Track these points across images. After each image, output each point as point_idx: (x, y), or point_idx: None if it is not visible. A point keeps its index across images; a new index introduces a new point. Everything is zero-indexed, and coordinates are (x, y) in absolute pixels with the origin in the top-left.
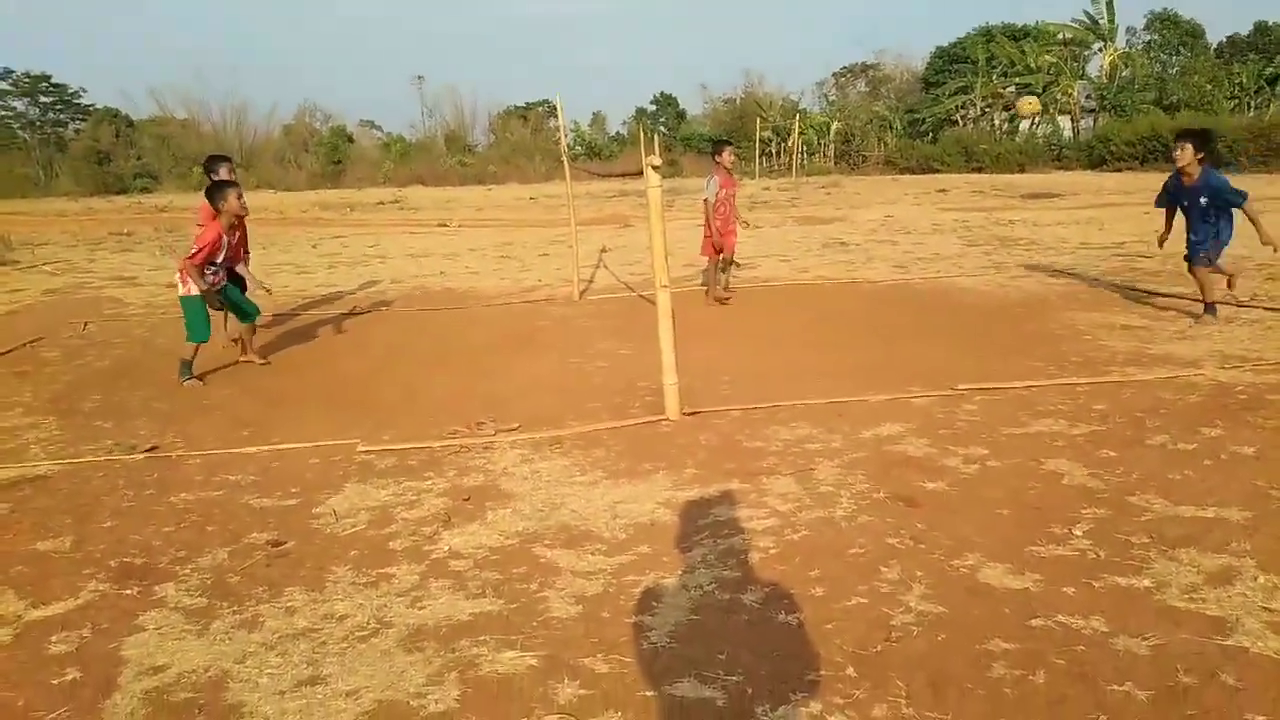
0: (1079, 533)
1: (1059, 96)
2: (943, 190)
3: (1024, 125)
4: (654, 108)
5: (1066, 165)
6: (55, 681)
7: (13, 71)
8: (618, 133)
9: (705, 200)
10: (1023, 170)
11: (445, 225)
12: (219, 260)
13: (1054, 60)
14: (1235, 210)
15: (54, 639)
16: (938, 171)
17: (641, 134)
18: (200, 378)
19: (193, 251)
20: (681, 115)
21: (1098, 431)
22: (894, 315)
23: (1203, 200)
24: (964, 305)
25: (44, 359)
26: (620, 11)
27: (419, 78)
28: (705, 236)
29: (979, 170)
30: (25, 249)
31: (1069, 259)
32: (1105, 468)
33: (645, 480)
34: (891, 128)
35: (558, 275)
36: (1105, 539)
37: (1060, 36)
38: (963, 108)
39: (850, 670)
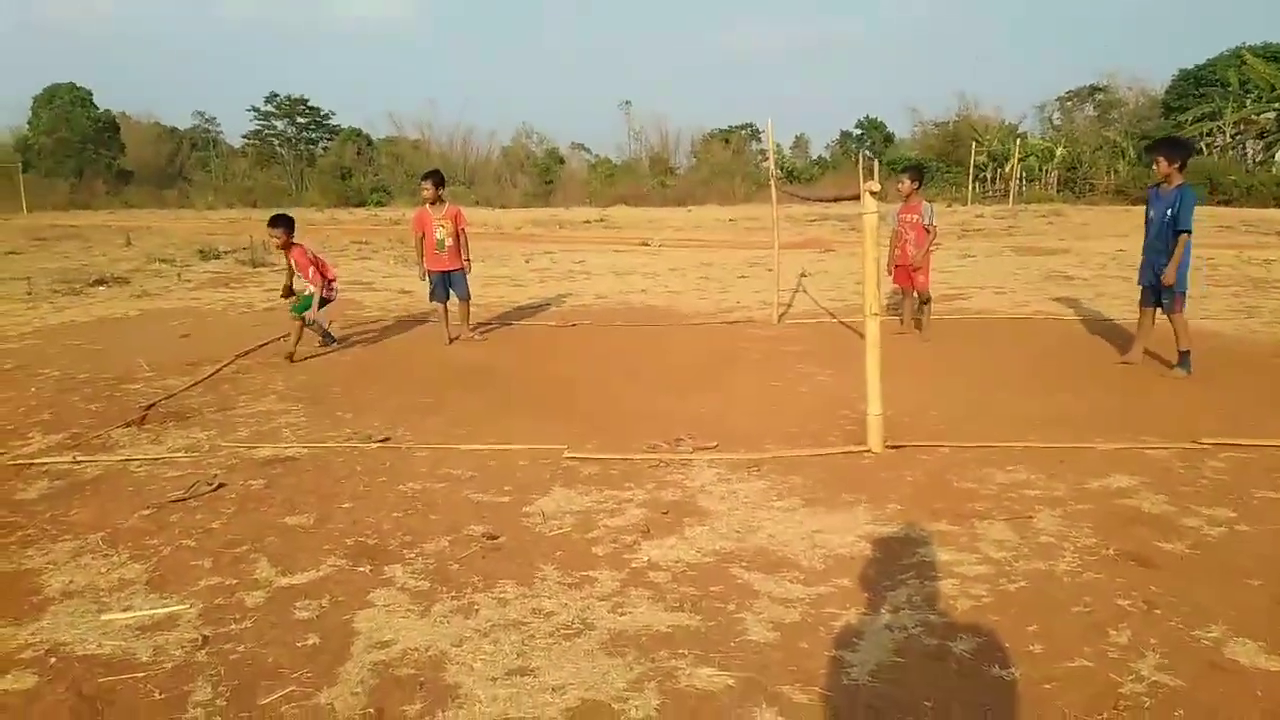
0: None
1: None
2: None
3: None
4: (859, 131)
5: None
6: (299, 644)
7: (277, 95)
8: (820, 156)
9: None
10: None
11: (647, 244)
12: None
13: None
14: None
15: (298, 605)
16: None
17: (860, 159)
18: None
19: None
20: (889, 139)
21: None
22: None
23: (1168, 212)
24: (1209, 350)
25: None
26: (821, 46)
27: (626, 103)
28: (900, 265)
29: (1227, 203)
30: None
31: None
32: None
33: (846, 511)
34: (1124, 155)
35: (757, 297)
36: None
37: None
38: (1209, 134)
39: None
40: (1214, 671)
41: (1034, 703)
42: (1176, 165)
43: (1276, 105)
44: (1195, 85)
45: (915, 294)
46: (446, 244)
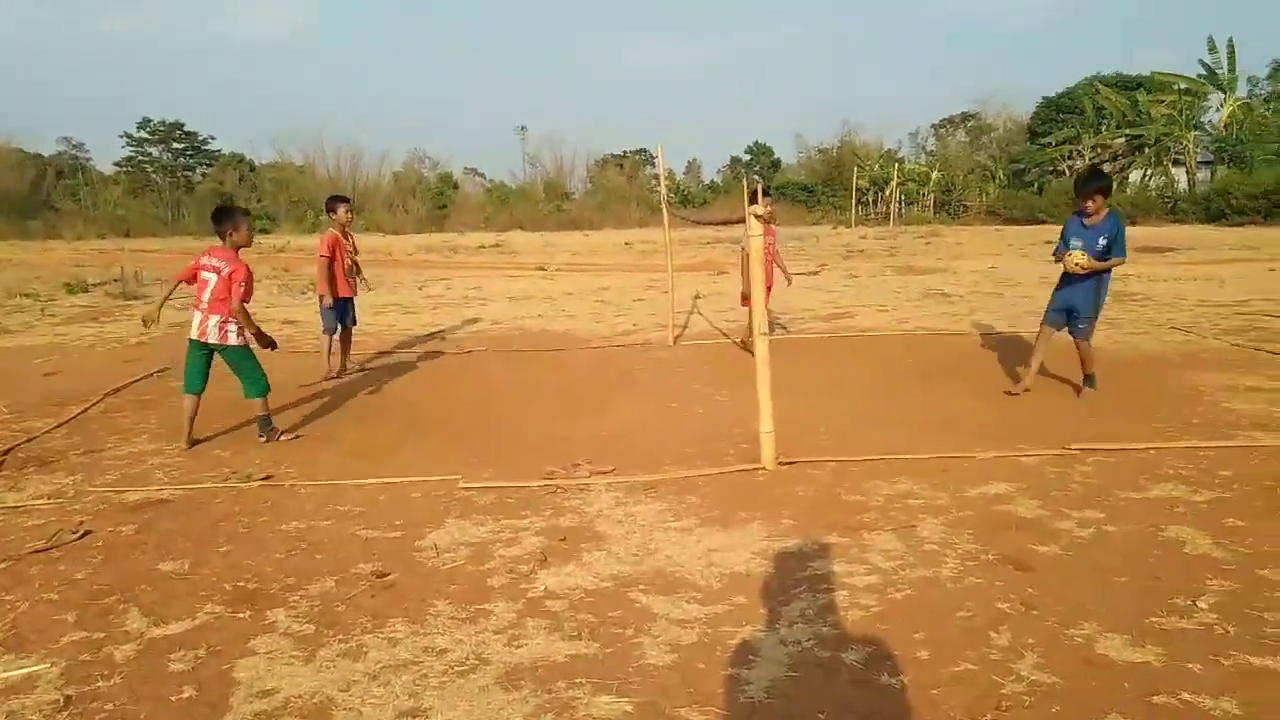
0: (1204, 605)
1: (1170, 147)
2: (1050, 242)
3: (1134, 177)
4: (749, 157)
5: (1182, 218)
6: (173, 698)
7: (150, 120)
8: (712, 181)
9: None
10: (1134, 223)
11: (544, 269)
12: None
13: (1168, 111)
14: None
15: (173, 657)
16: (1044, 223)
17: (745, 184)
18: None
19: (242, 290)
20: (776, 164)
21: (1223, 499)
22: (1001, 370)
23: (1101, 242)
24: (1077, 362)
25: (169, 388)
26: (715, 63)
27: (522, 128)
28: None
29: None
30: (154, 284)
31: (1187, 316)
32: (1232, 537)
33: (741, 529)
34: (994, 178)
35: (653, 320)
36: (1234, 614)
37: (1176, 87)
38: (1069, 158)
39: None
40: (1087, 667)
41: (922, 707)
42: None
43: (1127, 131)
44: (1057, 112)
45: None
46: (353, 270)
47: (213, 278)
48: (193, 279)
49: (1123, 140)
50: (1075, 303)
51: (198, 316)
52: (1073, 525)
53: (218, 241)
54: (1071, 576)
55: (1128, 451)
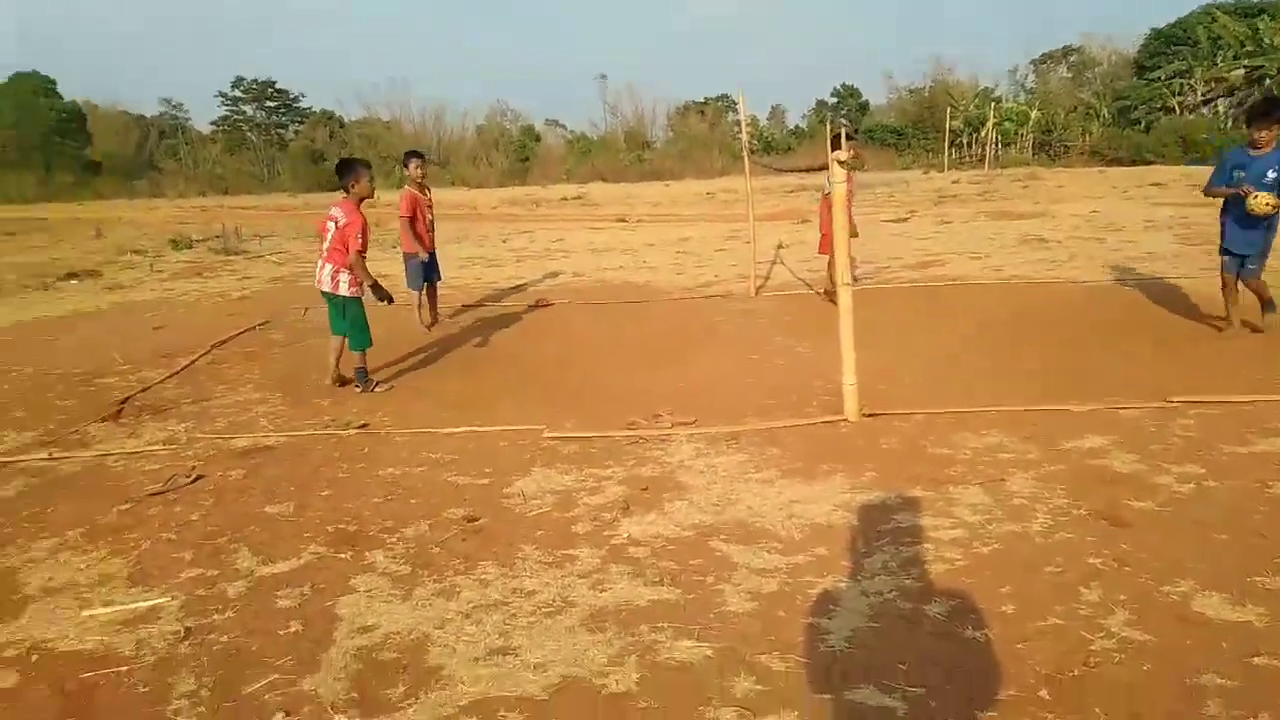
0: None
1: None
2: (1157, 184)
3: None
4: (835, 100)
5: None
6: (281, 632)
7: (244, 79)
8: (797, 126)
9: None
10: None
11: (624, 220)
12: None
13: None
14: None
15: (280, 594)
16: (1151, 163)
17: (828, 129)
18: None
19: (359, 243)
20: (864, 106)
21: None
22: (1099, 319)
23: (1271, 174)
24: (1181, 310)
25: (270, 341)
26: (797, 5)
27: (602, 76)
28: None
29: (1199, 162)
30: (253, 240)
31: None
32: None
33: (823, 481)
34: (1098, 116)
35: (734, 271)
36: None
37: None
38: (1180, 93)
39: (1044, 693)
40: (1182, 625)
41: (1007, 661)
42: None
43: (1246, 63)
44: (1167, 44)
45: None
46: (432, 225)
47: (332, 227)
48: (323, 231)
49: (1241, 72)
50: (1252, 242)
51: (318, 265)
52: (1171, 480)
53: (334, 196)
54: (1169, 533)
55: (1232, 405)
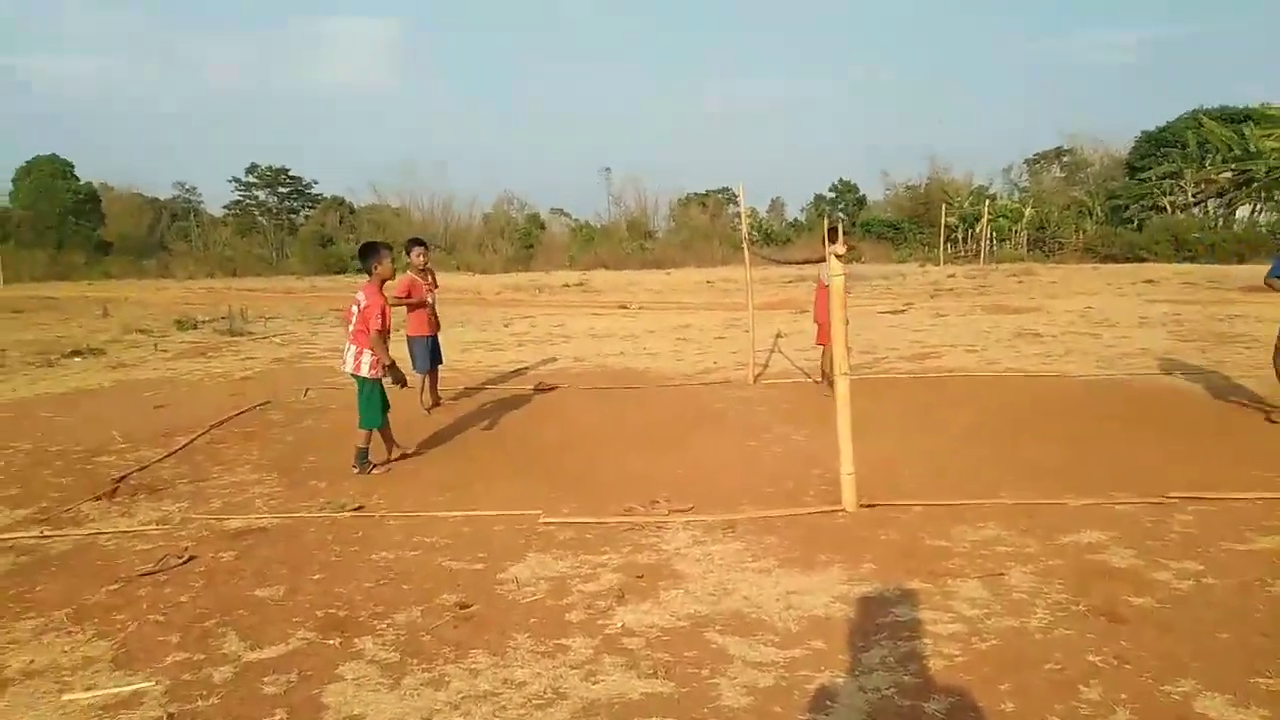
0: None
1: None
2: (1150, 281)
3: (1241, 213)
4: (833, 194)
5: None
6: None
7: (258, 165)
8: (795, 219)
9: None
10: (1242, 261)
11: (625, 307)
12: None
13: (1277, 145)
14: None
15: (266, 680)
16: (1144, 260)
17: (825, 220)
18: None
19: (379, 323)
20: (861, 201)
21: None
22: (1096, 413)
23: None
24: (1177, 406)
25: (270, 421)
26: (799, 100)
27: (606, 169)
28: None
29: (1190, 259)
30: (259, 321)
31: None
32: None
33: (820, 572)
34: (1091, 214)
35: (733, 358)
36: None
37: None
38: (1170, 193)
39: None
40: None
41: None
42: None
43: (1233, 165)
44: (1156, 146)
45: None
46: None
47: (355, 310)
48: (348, 316)
49: (1229, 175)
50: None
51: (345, 348)
52: (1170, 577)
53: (339, 279)
54: (1169, 631)
55: (1230, 501)
